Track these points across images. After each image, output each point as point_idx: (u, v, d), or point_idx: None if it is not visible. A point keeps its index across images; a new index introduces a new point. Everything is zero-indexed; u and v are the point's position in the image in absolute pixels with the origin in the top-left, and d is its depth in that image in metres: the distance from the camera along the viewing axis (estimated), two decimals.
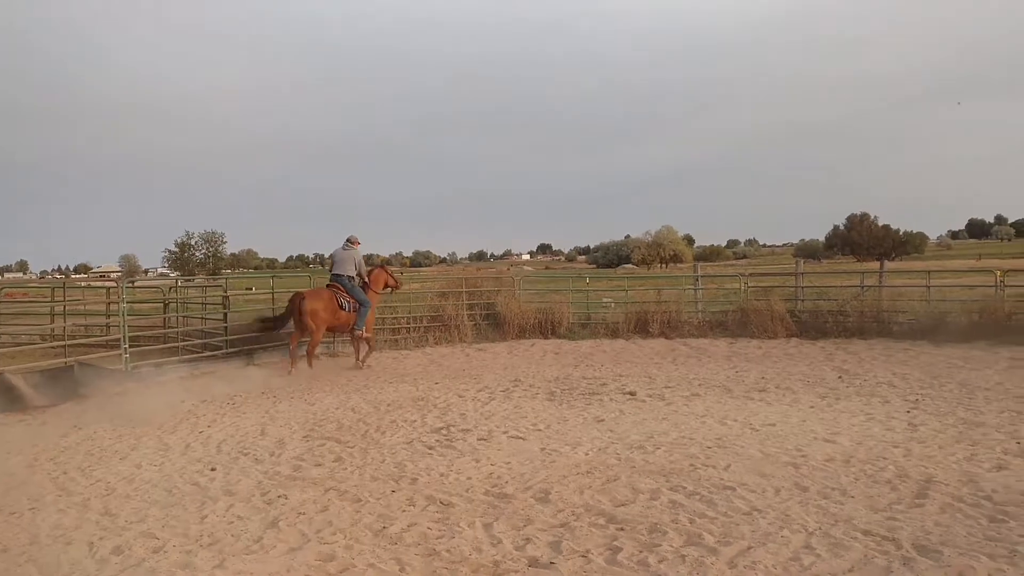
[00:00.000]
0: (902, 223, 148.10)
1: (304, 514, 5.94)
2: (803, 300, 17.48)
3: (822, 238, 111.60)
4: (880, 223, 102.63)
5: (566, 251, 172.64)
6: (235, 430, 9.11)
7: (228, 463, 7.61)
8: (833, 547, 4.98)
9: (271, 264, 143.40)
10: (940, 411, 9.19)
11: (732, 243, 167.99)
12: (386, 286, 14.98)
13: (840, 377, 11.78)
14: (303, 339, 13.78)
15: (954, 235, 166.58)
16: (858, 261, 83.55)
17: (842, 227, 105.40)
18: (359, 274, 14.16)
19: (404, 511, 5.97)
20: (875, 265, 21.25)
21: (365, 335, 14.18)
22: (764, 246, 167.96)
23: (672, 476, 6.70)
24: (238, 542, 5.37)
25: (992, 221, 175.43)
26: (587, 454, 7.57)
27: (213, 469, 7.37)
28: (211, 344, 14.84)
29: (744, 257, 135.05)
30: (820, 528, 5.32)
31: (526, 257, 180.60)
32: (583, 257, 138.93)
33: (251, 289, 22.31)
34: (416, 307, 17.96)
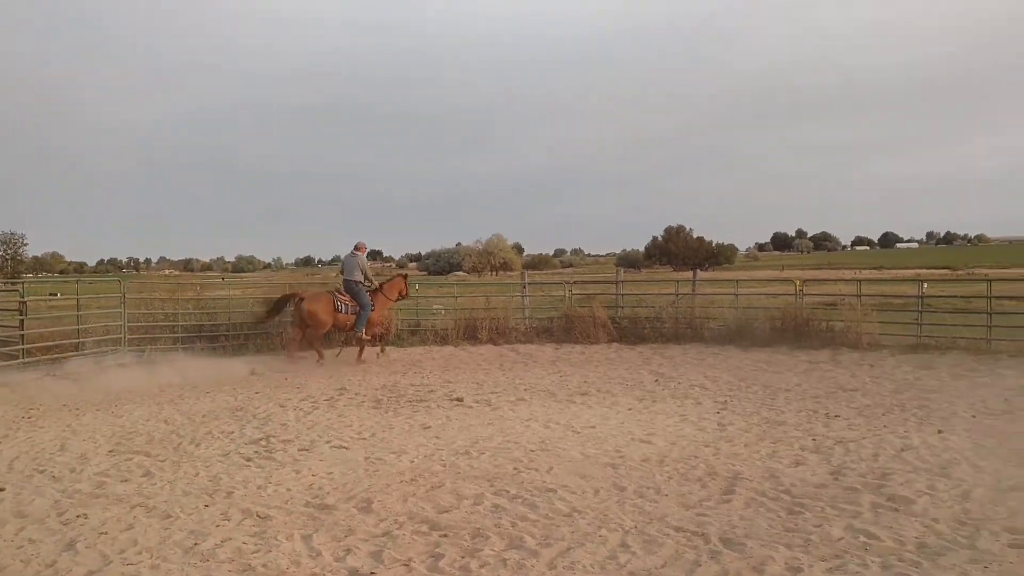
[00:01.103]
0: (715, 235, 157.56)
1: (106, 534, 5.53)
2: (623, 307, 18.16)
3: (643, 248, 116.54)
4: (695, 235, 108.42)
5: (397, 257, 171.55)
6: (30, 446, 8.38)
7: (20, 482, 6.97)
8: (647, 544, 5.16)
9: (79, 268, 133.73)
10: (746, 411, 9.76)
11: (559, 252, 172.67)
12: (400, 295, 15.95)
13: (657, 380, 12.29)
14: (305, 336, 15.00)
15: (761, 247, 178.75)
16: (675, 270, 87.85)
17: (660, 238, 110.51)
18: (366, 278, 15.17)
19: (218, 526, 5.68)
20: (690, 274, 22.38)
21: (364, 336, 15.08)
22: (589, 255, 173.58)
23: (496, 481, 6.74)
24: (27, 568, 4.92)
25: (794, 235, 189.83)
26: (412, 462, 7.50)
27: (2, 489, 6.74)
28: (9, 353, 13.60)
29: (570, 266, 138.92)
30: (636, 526, 5.50)
31: None
32: (414, 264, 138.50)
33: (56, 295, 20.70)
34: (236, 314, 17.25)
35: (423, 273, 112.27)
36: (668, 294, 19.43)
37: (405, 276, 16.64)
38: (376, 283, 15.51)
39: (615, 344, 16.74)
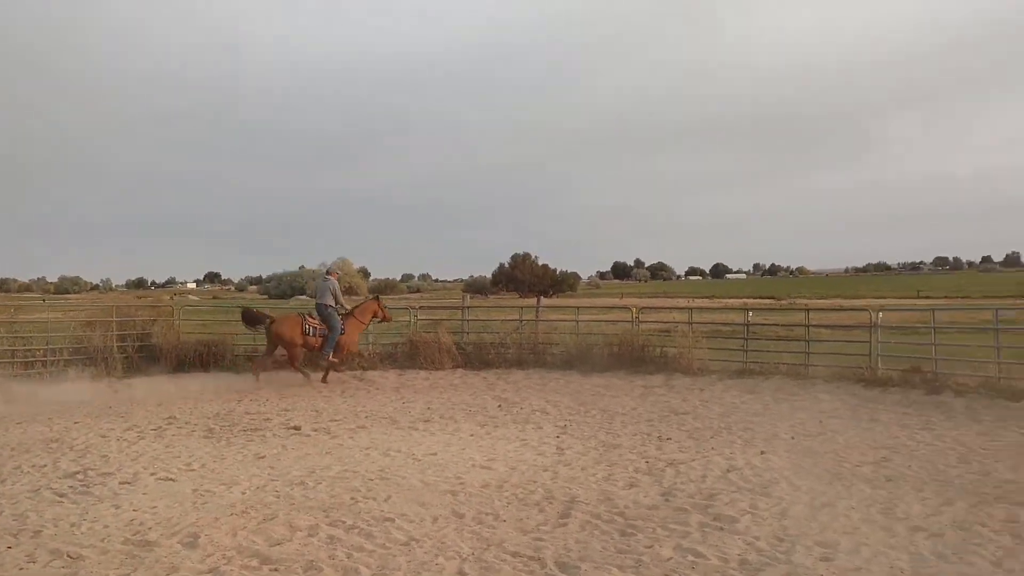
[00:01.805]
0: (560, 263, 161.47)
1: None
2: (469, 333, 18.22)
3: (490, 275, 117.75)
4: (541, 263, 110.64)
5: (236, 280, 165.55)
6: None
7: None
8: (484, 571, 5.15)
9: None
10: (584, 435, 9.98)
11: (407, 277, 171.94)
12: (375, 317, 16.12)
13: (499, 406, 12.38)
14: (275, 355, 15.62)
15: (602, 275, 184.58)
16: (521, 297, 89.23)
17: (507, 265, 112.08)
18: (337, 302, 15.42)
19: (22, 569, 5.23)
20: (534, 301, 22.77)
21: (332, 359, 15.22)
22: (437, 280, 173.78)
23: (332, 511, 6.56)
24: None
25: (632, 264, 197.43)
26: (244, 493, 7.20)
27: None
28: None
29: (418, 291, 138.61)
30: (474, 553, 5.49)
31: (192, 286, 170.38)
32: (255, 287, 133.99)
33: None
34: (56, 338, 16.11)
35: (263, 297, 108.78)
36: (512, 320, 19.66)
37: (378, 298, 16.60)
38: (348, 307, 15.81)
39: (460, 370, 16.75)
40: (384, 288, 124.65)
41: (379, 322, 16.56)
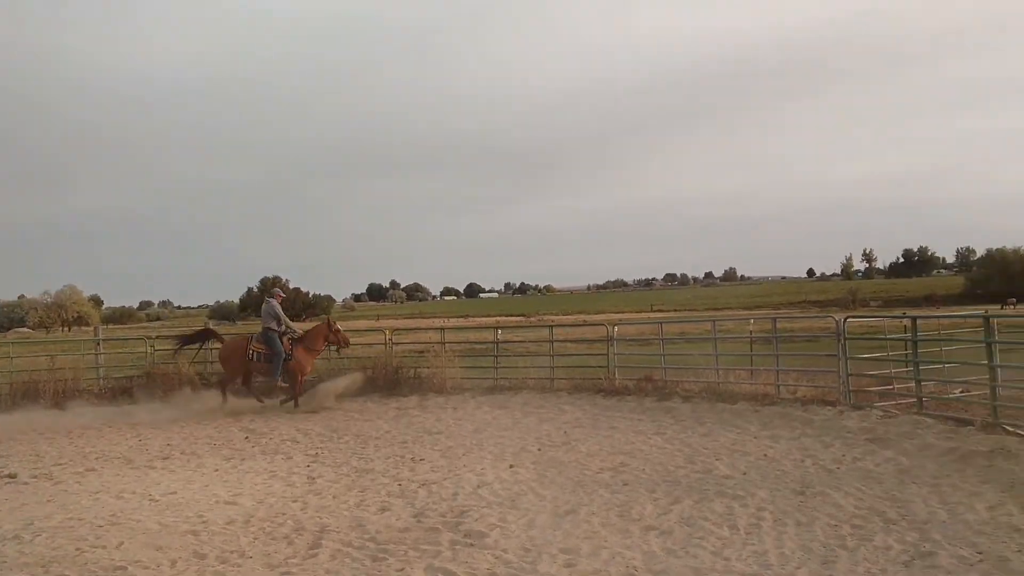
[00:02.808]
0: (312, 286, 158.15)
1: None
2: (213, 362, 17.30)
3: (238, 300, 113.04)
4: (292, 286, 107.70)
5: None
6: None
7: None
8: None
9: None
10: (337, 462, 9.79)
11: (145, 304, 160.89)
12: (327, 342, 15.20)
13: (247, 437, 11.85)
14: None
15: (357, 297, 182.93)
16: None
17: (256, 289, 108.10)
18: (282, 324, 14.77)
19: None
20: None
21: (281, 384, 14.63)
22: (180, 308, 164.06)
23: (53, 565, 5.95)
24: None
25: (388, 286, 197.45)
26: None
27: None
28: None
29: (159, 319, 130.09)
30: None
31: None
32: None
33: None
34: None
35: None
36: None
37: (329, 322, 15.64)
38: (297, 330, 15.20)
39: (200, 401, 15.80)
40: (120, 317, 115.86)
41: (335, 348, 15.66)
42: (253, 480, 8.91)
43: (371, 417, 13.40)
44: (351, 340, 16.07)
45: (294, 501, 7.81)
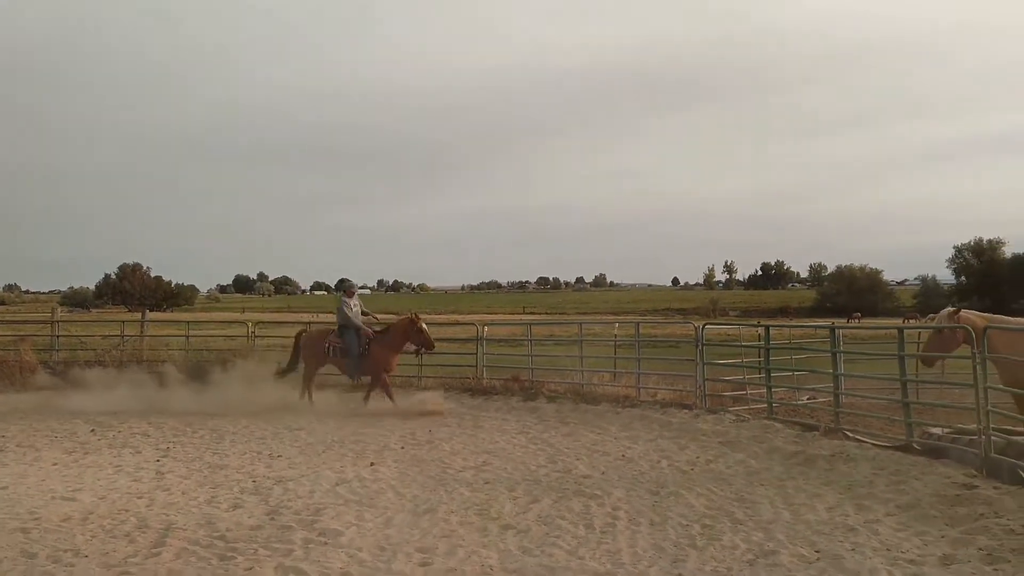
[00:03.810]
0: (176, 276, 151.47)
1: None
2: (60, 350, 16.34)
3: (93, 286, 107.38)
4: (153, 274, 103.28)
5: None
6: None
7: None
8: None
9: None
10: (189, 457, 9.39)
11: None
12: (410, 341, 13.59)
13: (93, 430, 11.20)
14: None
15: (223, 289, 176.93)
16: (130, 311, 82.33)
17: (115, 276, 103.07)
18: (351, 323, 13.49)
19: None
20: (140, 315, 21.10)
21: (359, 382, 14.10)
22: (27, 292, 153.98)
23: None
24: None
25: (255, 278, 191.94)
26: None
27: None
28: None
29: (3, 304, 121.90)
30: None
31: None
32: None
33: None
34: None
35: None
36: (114, 336, 18.00)
37: (412, 318, 13.62)
38: (372, 327, 13.73)
39: (46, 391, 14.86)
40: None
41: (418, 352, 14.06)
42: (96, 475, 8.41)
43: (228, 411, 12.84)
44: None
45: (139, 497, 7.43)
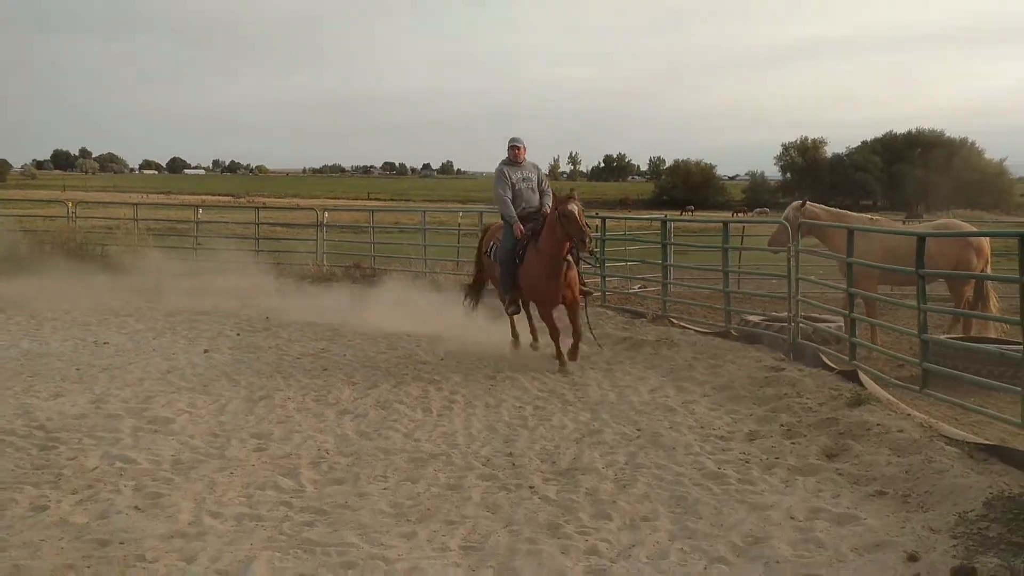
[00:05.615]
0: None
1: None
2: None
3: None
4: None
5: None
6: None
7: None
8: None
9: None
10: (3, 344, 8.86)
11: None
12: (567, 241, 7.96)
13: None
14: None
15: (39, 164, 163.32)
16: None
17: None
18: (505, 210, 8.35)
19: None
20: None
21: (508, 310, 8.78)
22: None
23: None
24: None
25: (77, 154, 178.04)
26: None
27: None
28: None
29: None
30: None
31: None
32: None
33: None
34: None
35: None
36: None
37: (565, 198, 7.92)
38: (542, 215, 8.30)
39: None
40: None
41: (584, 256, 8.77)
42: None
43: (53, 295, 12.04)
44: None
45: None
